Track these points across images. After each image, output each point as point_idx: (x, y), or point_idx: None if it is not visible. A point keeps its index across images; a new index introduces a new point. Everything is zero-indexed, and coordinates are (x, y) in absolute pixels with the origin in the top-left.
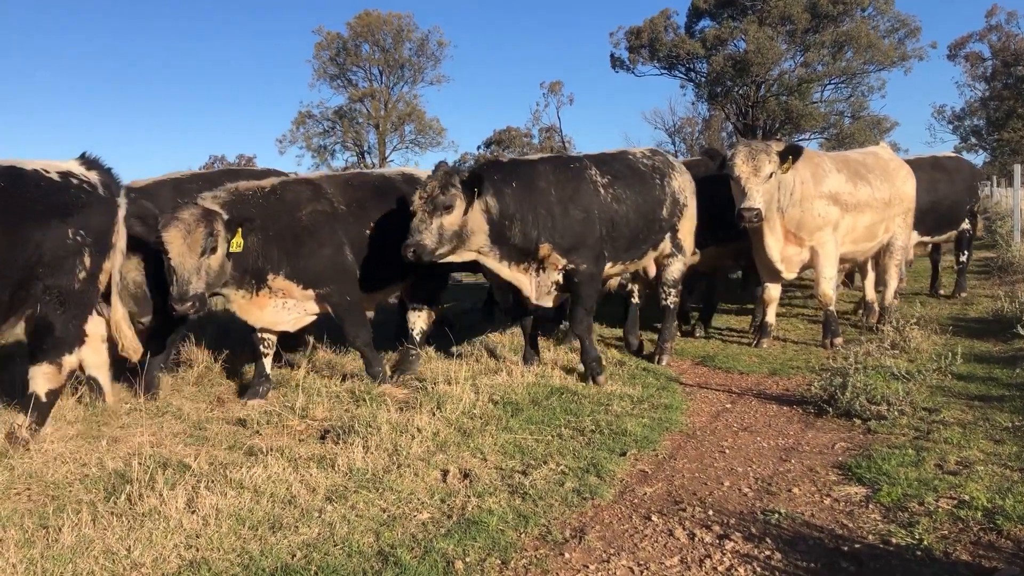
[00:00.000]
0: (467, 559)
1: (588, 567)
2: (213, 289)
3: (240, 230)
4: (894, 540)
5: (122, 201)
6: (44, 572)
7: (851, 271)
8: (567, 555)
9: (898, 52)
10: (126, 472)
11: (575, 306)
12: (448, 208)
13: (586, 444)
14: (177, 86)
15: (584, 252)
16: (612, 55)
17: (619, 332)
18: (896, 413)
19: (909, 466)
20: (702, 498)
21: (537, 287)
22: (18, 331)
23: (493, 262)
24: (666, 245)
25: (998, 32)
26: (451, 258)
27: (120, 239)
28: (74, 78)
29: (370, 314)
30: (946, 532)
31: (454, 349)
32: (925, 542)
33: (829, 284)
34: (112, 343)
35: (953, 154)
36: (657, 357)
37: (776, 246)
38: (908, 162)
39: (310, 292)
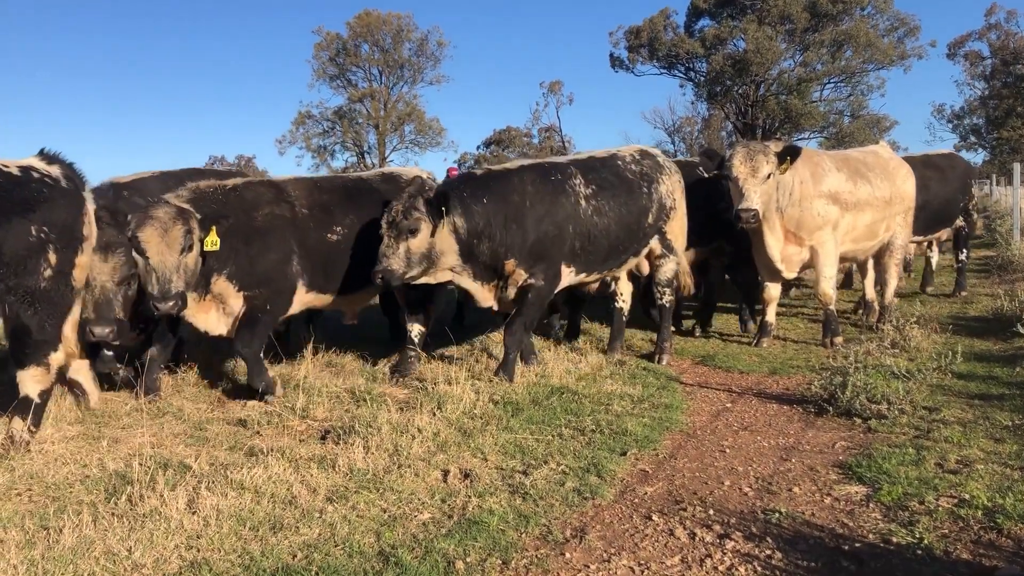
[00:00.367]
0: (468, 559)
1: (589, 567)
2: (189, 288)
3: (215, 228)
4: (894, 539)
5: (88, 195)
6: (45, 573)
7: (849, 271)
8: (568, 555)
9: (897, 51)
10: (127, 473)
11: (516, 316)
12: (413, 232)
13: (586, 444)
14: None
15: (544, 268)
16: (612, 55)
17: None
18: (896, 412)
19: (909, 465)
20: (703, 497)
21: (498, 302)
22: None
23: (467, 281)
24: (656, 246)
25: (997, 31)
26: (425, 279)
27: (91, 234)
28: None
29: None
30: (946, 531)
31: (454, 349)
32: (925, 541)
33: (829, 283)
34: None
35: (946, 152)
36: (657, 357)
37: (776, 246)
38: None
39: (242, 294)
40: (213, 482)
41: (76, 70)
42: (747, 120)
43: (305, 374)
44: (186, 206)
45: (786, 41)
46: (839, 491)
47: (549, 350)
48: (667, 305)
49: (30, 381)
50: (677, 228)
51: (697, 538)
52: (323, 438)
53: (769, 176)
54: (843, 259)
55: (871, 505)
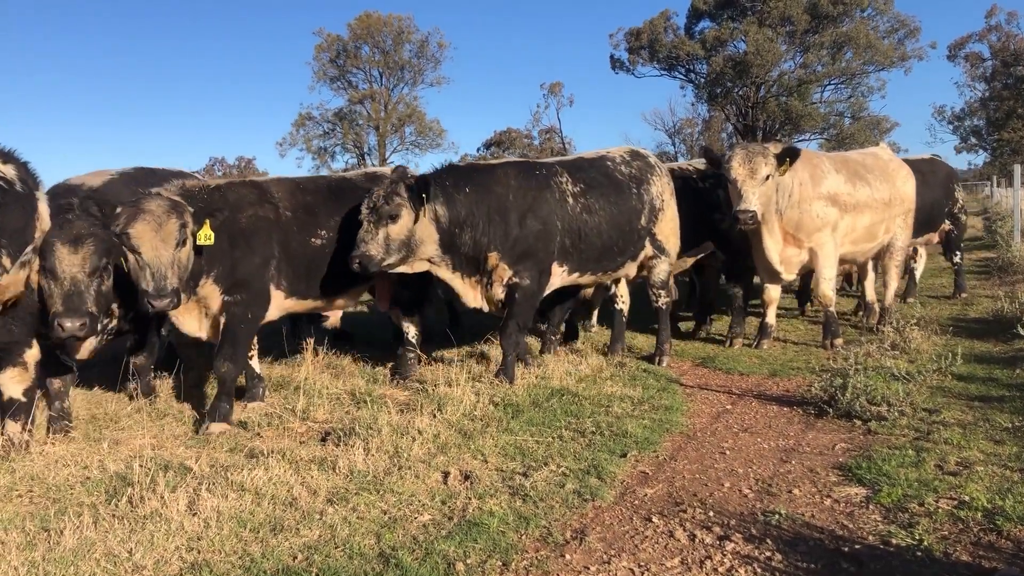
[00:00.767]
0: (468, 561)
1: (589, 568)
2: (183, 284)
3: (208, 221)
4: (894, 541)
5: (42, 195)
6: (46, 575)
7: (848, 274)
8: (568, 556)
9: (898, 52)
10: (127, 474)
11: (508, 318)
12: (393, 217)
13: (587, 446)
14: (177, 87)
15: (530, 265)
16: (612, 56)
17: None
18: (896, 414)
19: (909, 467)
20: (703, 499)
21: (486, 301)
22: None
23: (446, 272)
24: (648, 249)
25: (998, 32)
26: (402, 268)
27: (40, 237)
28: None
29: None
30: (946, 533)
31: (454, 351)
32: (925, 543)
33: (828, 285)
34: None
35: (928, 156)
36: (657, 359)
37: (775, 247)
38: None
39: (224, 298)
40: (214, 484)
41: (76, 70)
42: (747, 122)
43: (305, 376)
44: (178, 199)
45: (786, 43)
46: (839, 493)
47: (549, 350)
48: (664, 307)
49: (11, 383)
50: (668, 229)
51: (697, 540)
52: (323, 440)
53: (768, 178)
54: (843, 261)
55: (871, 507)
